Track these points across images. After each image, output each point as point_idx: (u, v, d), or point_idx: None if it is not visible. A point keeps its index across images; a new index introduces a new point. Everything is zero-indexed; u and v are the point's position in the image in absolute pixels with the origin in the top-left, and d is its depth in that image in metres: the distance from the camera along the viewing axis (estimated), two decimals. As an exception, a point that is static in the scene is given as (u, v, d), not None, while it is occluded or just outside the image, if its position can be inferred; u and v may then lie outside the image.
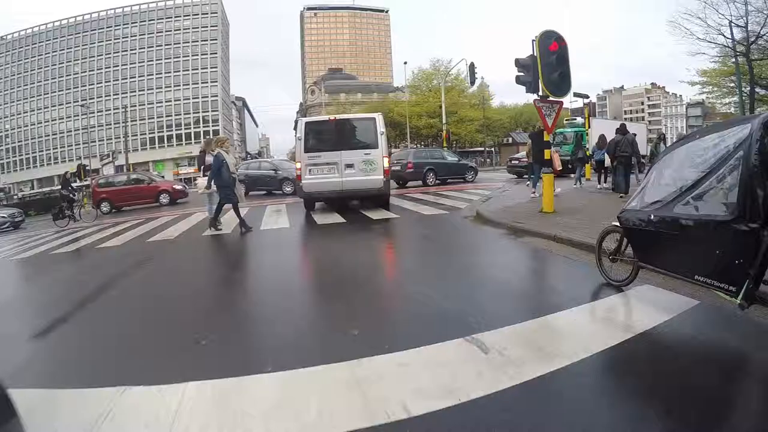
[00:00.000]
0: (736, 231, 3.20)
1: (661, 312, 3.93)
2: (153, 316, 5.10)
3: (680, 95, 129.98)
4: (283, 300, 5.25)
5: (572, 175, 18.81)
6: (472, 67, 33.81)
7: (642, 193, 4.41)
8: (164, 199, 23.83)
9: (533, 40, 9.69)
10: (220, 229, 10.77)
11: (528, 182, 17.10)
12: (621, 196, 11.82)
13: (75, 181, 24.41)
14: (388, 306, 4.92)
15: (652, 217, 4.05)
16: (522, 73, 9.91)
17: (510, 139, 68.25)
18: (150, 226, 13.45)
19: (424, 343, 3.47)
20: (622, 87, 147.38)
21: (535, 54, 9.63)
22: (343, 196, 12.55)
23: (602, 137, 16.86)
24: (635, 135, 13.82)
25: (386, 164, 12.10)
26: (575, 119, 40.35)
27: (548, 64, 9.63)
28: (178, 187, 25.67)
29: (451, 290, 5.12)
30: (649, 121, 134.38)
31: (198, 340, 4.01)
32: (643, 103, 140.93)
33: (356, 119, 13.57)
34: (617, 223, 4.70)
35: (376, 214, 11.61)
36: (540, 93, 9.78)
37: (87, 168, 44.65)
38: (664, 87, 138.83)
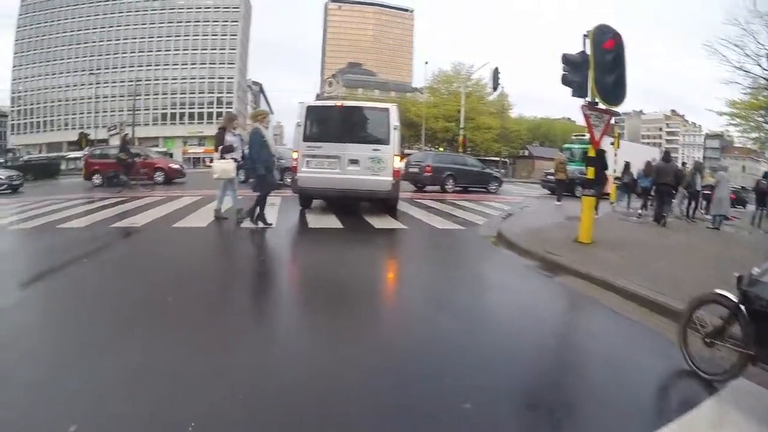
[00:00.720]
0: None
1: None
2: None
3: (699, 125, 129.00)
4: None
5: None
6: (496, 72, 32.31)
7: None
8: (159, 177, 22.43)
9: (585, 35, 8.07)
10: (270, 224, 9.02)
11: (558, 201, 16.21)
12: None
13: (132, 146, 23.37)
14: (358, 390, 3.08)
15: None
16: (568, 72, 8.25)
17: (526, 152, 66.78)
18: (127, 207, 11.84)
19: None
20: (641, 111, 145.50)
21: (587, 51, 8.03)
22: (343, 196, 10.77)
23: (648, 164, 15.47)
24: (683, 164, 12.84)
25: (397, 164, 10.47)
26: (584, 135, 38.41)
27: (602, 64, 7.98)
28: (174, 166, 24.16)
29: (465, 363, 3.46)
30: (666, 149, 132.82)
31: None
32: (661, 129, 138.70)
33: (367, 108, 11.62)
34: (725, 293, 3.25)
35: (379, 222, 9.95)
36: (588, 98, 8.16)
37: (89, 137, 43.62)
38: (684, 115, 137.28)
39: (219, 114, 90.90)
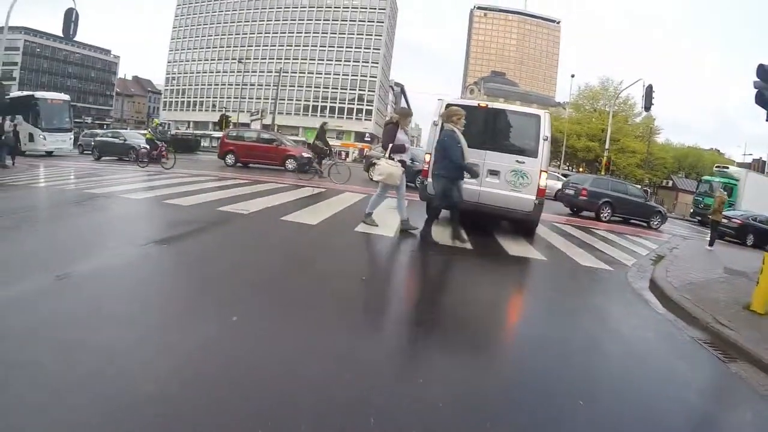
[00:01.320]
0: None
1: None
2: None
3: None
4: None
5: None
6: (650, 89, 29.51)
7: None
8: (290, 164, 22.78)
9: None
10: (465, 240, 8.20)
11: (709, 246, 14.37)
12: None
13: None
14: None
15: None
16: (767, 88, 6.53)
17: (670, 182, 61.66)
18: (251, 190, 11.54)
19: None
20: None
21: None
22: (475, 211, 9.29)
23: None
24: None
25: (543, 182, 8.94)
26: (726, 168, 35.15)
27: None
28: (306, 154, 23.82)
29: None
30: None
31: None
32: None
33: (515, 113, 10.00)
34: None
35: (514, 247, 8.55)
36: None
37: (230, 120, 45.70)
38: None
39: (359, 111, 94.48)
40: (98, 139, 27.30)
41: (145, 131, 20.97)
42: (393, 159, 8.18)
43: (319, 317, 4.16)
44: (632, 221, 19.56)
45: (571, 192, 19.62)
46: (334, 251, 6.99)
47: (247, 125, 53.41)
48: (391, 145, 8.21)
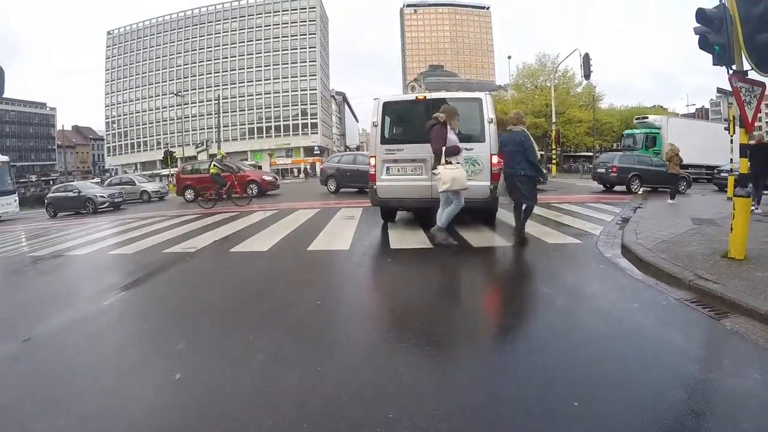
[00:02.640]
0: None
1: None
2: None
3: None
4: None
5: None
6: (586, 58, 30.02)
7: None
8: (252, 189, 22.14)
9: (723, -19, 6.16)
10: (526, 240, 7.72)
11: (671, 200, 14.52)
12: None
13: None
14: None
15: None
16: (708, 32, 6.26)
17: (620, 144, 62.73)
18: (199, 225, 10.86)
19: None
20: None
21: (726, 4, 6.07)
22: (431, 207, 8.42)
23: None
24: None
25: (495, 166, 8.37)
26: (646, 118, 35.06)
27: (750, 19, 5.96)
28: (267, 178, 23.98)
29: None
30: (767, 132, 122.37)
31: None
32: (761, 111, 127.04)
33: (455, 100, 9.08)
34: None
35: (477, 238, 8.10)
36: (735, 67, 6.16)
37: (174, 155, 44.62)
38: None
39: (305, 125, 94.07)
40: (51, 196, 26.22)
41: (209, 165, 18.94)
42: (450, 162, 7.40)
43: (272, 353, 3.74)
44: (660, 189, 19.83)
45: (603, 170, 21.33)
46: (287, 276, 6.50)
47: (194, 158, 52.40)
48: (444, 147, 7.41)
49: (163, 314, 5.15)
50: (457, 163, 7.48)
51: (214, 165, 18.51)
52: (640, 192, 18.69)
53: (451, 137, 7.54)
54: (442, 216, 7.51)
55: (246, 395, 3.06)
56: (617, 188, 20.65)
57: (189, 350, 3.94)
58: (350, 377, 3.25)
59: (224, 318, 4.75)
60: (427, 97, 9.13)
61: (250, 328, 4.35)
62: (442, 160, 7.39)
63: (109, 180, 33.22)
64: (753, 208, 9.75)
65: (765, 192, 13.12)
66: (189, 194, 22.91)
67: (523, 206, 7.71)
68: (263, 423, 2.71)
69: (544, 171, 18.38)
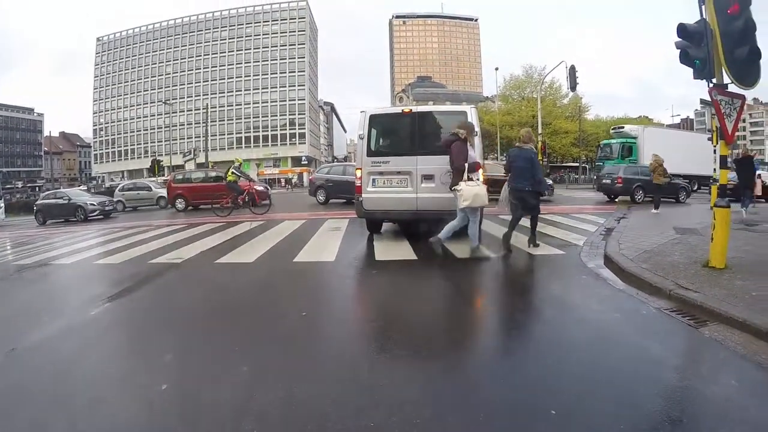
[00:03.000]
0: None
1: None
2: None
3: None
4: None
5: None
6: (573, 70, 30.22)
7: None
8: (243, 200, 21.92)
9: (701, 1, 6.25)
10: (538, 245, 8.33)
11: (655, 209, 14.85)
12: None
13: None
14: None
15: None
16: (689, 47, 6.38)
17: (597, 155, 63.23)
18: (187, 235, 10.79)
19: None
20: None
21: (707, 18, 6.20)
22: (417, 219, 9.12)
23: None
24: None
25: (481, 176, 8.07)
26: (622, 128, 35.57)
27: (729, 33, 6.10)
28: (259, 188, 23.36)
29: None
30: (751, 141, 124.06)
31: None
32: (744, 121, 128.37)
33: (441, 113, 9.65)
34: None
35: (460, 249, 8.08)
36: (714, 80, 6.28)
37: (162, 163, 44.48)
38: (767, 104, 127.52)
39: (293, 135, 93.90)
40: (40, 203, 25.53)
41: (226, 172, 18.51)
42: (472, 179, 7.49)
43: (257, 365, 3.74)
44: (663, 199, 19.86)
45: (608, 181, 22.24)
46: (273, 288, 6.51)
47: (181, 167, 52.24)
48: (466, 164, 7.50)
49: (149, 325, 5.12)
50: (477, 179, 7.62)
51: (232, 172, 18.13)
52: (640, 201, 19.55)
53: (472, 153, 7.71)
54: (448, 230, 7.57)
55: (231, 406, 3.06)
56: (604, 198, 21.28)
57: (175, 361, 3.93)
58: (333, 388, 3.26)
59: (209, 330, 4.75)
60: (413, 110, 9.22)
61: (235, 339, 4.34)
62: (465, 177, 7.46)
63: (122, 185, 32.34)
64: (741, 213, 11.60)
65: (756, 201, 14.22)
66: (180, 203, 22.77)
67: (530, 216, 8.31)
68: (248, 432, 2.73)
69: (549, 182, 18.57)
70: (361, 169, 8.98)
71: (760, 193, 16.27)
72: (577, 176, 56.04)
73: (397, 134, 9.32)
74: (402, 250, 8.27)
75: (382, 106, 9.45)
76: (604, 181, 22.94)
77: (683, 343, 4.17)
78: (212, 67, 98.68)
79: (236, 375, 3.53)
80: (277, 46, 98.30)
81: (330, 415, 2.88)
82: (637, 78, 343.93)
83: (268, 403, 3.09)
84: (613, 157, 31.17)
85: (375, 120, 9.18)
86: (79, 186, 65.76)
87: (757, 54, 6.18)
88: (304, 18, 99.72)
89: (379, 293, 6.17)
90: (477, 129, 8.52)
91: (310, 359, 3.86)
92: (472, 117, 8.63)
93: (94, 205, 22.67)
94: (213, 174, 24.69)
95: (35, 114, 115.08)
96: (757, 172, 16.71)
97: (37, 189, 75.76)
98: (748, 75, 6.27)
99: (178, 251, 9.34)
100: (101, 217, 22.17)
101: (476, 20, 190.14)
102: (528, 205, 8.05)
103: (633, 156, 30.68)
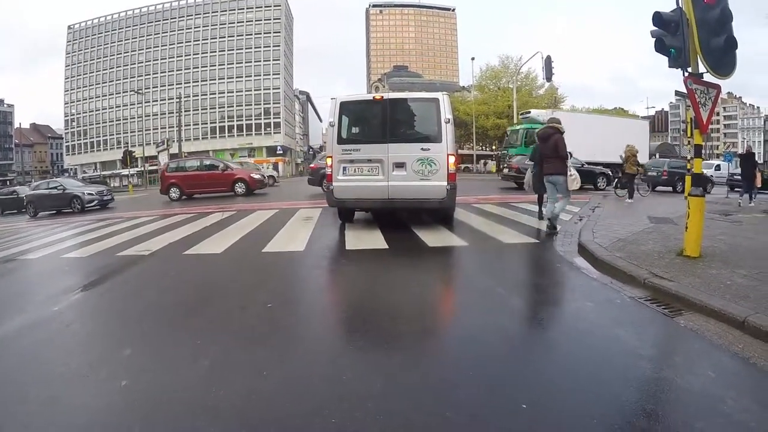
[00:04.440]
0: None
1: None
2: None
3: (758, 107, 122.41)
4: None
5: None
6: (548, 60, 30.37)
7: None
8: (240, 188, 21.54)
9: (677, -13, 6.24)
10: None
11: (630, 199, 14.96)
12: None
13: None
14: None
15: None
16: (664, 35, 6.34)
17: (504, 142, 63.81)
18: (158, 226, 10.53)
19: None
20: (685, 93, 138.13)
21: (683, 7, 6.16)
22: (388, 207, 9.17)
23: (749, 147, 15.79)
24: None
25: (452, 166, 8.45)
26: (528, 113, 33.86)
27: (705, 22, 6.09)
28: (255, 176, 22.98)
29: None
30: (725, 134, 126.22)
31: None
32: (718, 114, 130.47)
33: (412, 100, 9.50)
34: None
35: (432, 237, 8.09)
36: (690, 69, 6.25)
37: (134, 154, 43.75)
38: (740, 97, 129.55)
39: (267, 125, 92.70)
40: (31, 193, 23.85)
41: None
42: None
43: (219, 358, 3.61)
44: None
45: (655, 173, 22.95)
46: (240, 279, 6.34)
47: (154, 158, 51.41)
48: (568, 154, 8.90)
49: (112, 319, 4.96)
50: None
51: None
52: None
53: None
54: (556, 210, 8.59)
55: (190, 402, 2.94)
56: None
57: (136, 356, 3.79)
58: (295, 381, 3.16)
59: (173, 322, 4.61)
60: (385, 97, 9.05)
61: (199, 332, 4.19)
62: (570, 171, 8.72)
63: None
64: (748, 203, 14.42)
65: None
66: (174, 192, 21.91)
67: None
68: (205, 430, 2.60)
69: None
70: (331, 156, 8.84)
71: (759, 185, 17.47)
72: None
73: (368, 122, 9.25)
74: (373, 239, 8.15)
75: (351, 94, 9.34)
76: (650, 173, 22.78)
77: (658, 332, 4.11)
78: (186, 55, 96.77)
79: (196, 369, 3.40)
80: (252, 35, 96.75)
81: (289, 410, 2.79)
82: (614, 71, 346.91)
83: (227, 397, 2.96)
84: (517, 144, 29.46)
85: (345, 107, 9.03)
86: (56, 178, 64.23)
87: (733, 44, 6.19)
88: (279, 6, 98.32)
89: (348, 283, 6.08)
90: (449, 117, 8.56)
91: (273, 352, 3.74)
92: (444, 105, 8.60)
93: (92, 194, 21.61)
94: (208, 162, 24.13)
95: (5, 105, 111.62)
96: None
97: (7, 183, 73.57)
98: (724, 65, 6.27)
99: (147, 243, 9.10)
100: (98, 207, 21.17)
101: (453, 10, 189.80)
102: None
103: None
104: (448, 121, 8.48)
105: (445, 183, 8.38)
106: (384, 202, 8.72)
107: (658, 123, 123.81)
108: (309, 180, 21.78)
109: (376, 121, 8.94)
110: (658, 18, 6.33)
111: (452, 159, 8.45)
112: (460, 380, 3.14)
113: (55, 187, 22.49)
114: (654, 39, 6.38)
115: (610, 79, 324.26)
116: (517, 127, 31.68)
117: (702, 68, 6.24)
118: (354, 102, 9.41)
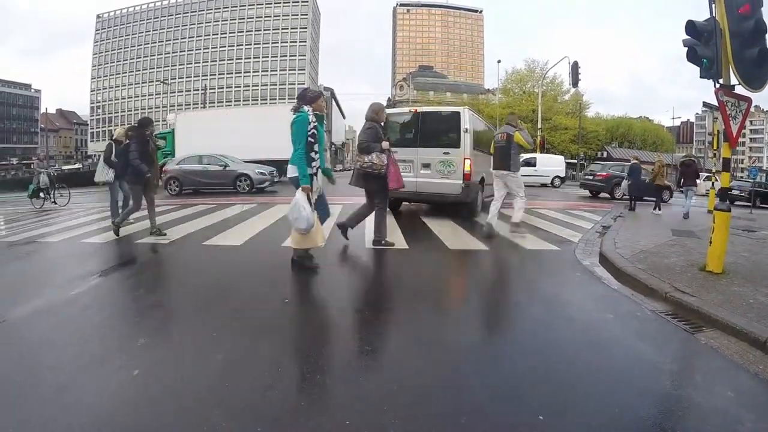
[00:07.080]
0: None
1: None
2: None
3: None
4: None
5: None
6: (575, 66, 30.04)
7: None
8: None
9: (711, -1, 6.11)
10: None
11: (655, 210, 14.99)
12: None
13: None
14: None
15: None
16: (697, 45, 6.21)
17: (605, 153, 63.14)
18: (176, 216, 10.59)
19: None
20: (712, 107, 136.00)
21: (717, 17, 6.04)
22: (416, 199, 11.68)
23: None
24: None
25: (468, 167, 10.25)
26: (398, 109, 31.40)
27: (739, 34, 5.96)
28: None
29: None
30: (750, 148, 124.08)
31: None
32: (745, 128, 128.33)
33: (439, 113, 11.47)
34: None
35: (453, 240, 8.13)
36: (722, 80, 6.12)
37: (157, 144, 43.92)
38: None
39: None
40: (174, 168, 20.75)
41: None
42: None
43: (233, 352, 3.58)
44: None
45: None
46: (258, 272, 6.31)
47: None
48: None
49: (128, 307, 4.95)
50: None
51: None
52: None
53: None
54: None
55: (201, 395, 2.92)
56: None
57: (150, 345, 3.77)
58: (311, 379, 3.14)
59: (189, 313, 4.59)
60: (418, 110, 11.18)
61: (214, 324, 4.17)
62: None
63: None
64: None
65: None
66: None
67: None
68: (217, 424, 2.59)
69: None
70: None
71: None
72: (574, 173, 55.96)
73: (407, 128, 11.13)
74: (395, 238, 8.08)
75: (395, 109, 11.80)
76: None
77: (678, 348, 4.02)
78: (212, 48, 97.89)
79: (212, 362, 3.38)
80: (279, 30, 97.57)
81: (304, 410, 2.76)
82: (635, 79, 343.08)
83: (240, 392, 2.94)
84: (167, 150, 27.42)
85: (389, 117, 10.28)
86: (75, 164, 64.79)
87: (766, 56, 6.03)
88: (307, 2, 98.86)
89: (367, 281, 6.11)
90: (468, 127, 10.31)
91: (290, 346, 3.78)
92: (464, 117, 10.35)
93: (264, 174, 19.61)
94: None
95: (32, 90, 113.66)
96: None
97: (31, 166, 74.51)
98: (756, 77, 6.12)
99: (167, 231, 9.08)
100: (270, 188, 19.65)
101: (480, 12, 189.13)
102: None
103: (168, 146, 27.01)
104: (467, 131, 10.28)
105: (461, 181, 10.26)
106: (412, 193, 10.64)
107: (683, 133, 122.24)
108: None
109: (411, 129, 11.00)
110: (691, 27, 6.20)
111: (468, 162, 10.25)
112: (475, 387, 3.09)
113: (215, 163, 20.16)
114: (686, 48, 6.26)
115: (636, 88, 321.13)
116: (165, 132, 30.58)
117: (734, 80, 6.12)
118: (395, 114, 11.65)
